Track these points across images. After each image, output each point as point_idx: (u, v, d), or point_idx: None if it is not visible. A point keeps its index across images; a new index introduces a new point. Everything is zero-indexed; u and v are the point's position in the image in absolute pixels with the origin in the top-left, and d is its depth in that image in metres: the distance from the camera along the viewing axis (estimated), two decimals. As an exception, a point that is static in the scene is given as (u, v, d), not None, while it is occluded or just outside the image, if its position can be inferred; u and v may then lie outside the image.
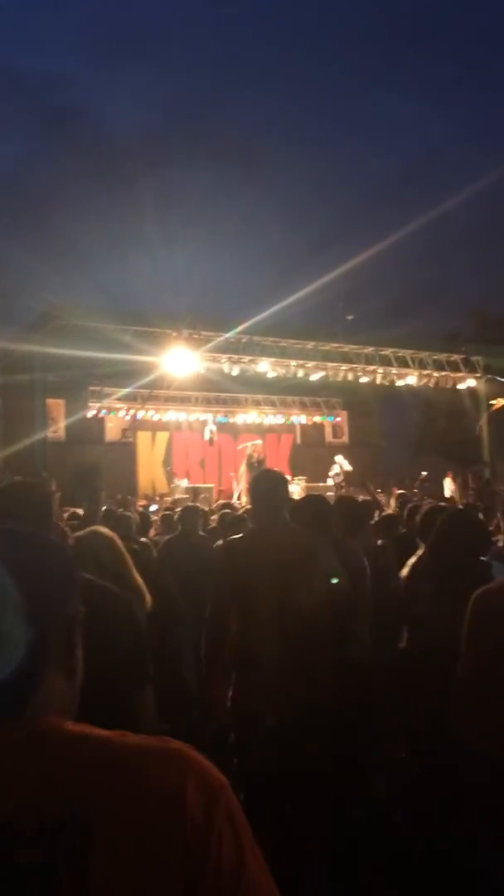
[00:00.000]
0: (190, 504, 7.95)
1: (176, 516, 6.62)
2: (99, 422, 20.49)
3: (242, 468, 18.48)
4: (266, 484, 3.41)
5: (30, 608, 0.95)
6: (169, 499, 16.51)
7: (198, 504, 8.51)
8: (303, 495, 5.70)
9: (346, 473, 18.39)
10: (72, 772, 0.89)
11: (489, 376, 19.91)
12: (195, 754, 0.96)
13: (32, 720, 0.94)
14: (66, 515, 7.27)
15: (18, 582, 0.96)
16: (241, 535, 3.62)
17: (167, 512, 8.74)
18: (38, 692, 0.95)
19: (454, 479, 18.45)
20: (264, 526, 3.37)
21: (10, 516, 2.11)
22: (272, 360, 17.99)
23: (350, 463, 18.84)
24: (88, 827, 0.86)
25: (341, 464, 18.70)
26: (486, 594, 2.35)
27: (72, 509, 8.03)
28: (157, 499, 17.12)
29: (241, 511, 7.31)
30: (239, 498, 16.22)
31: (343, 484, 17.74)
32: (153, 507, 13.59)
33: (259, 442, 19.27)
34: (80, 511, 7.54)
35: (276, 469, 5.38)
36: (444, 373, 19.65)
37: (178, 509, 7.19)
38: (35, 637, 0.95)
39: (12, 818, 0.86)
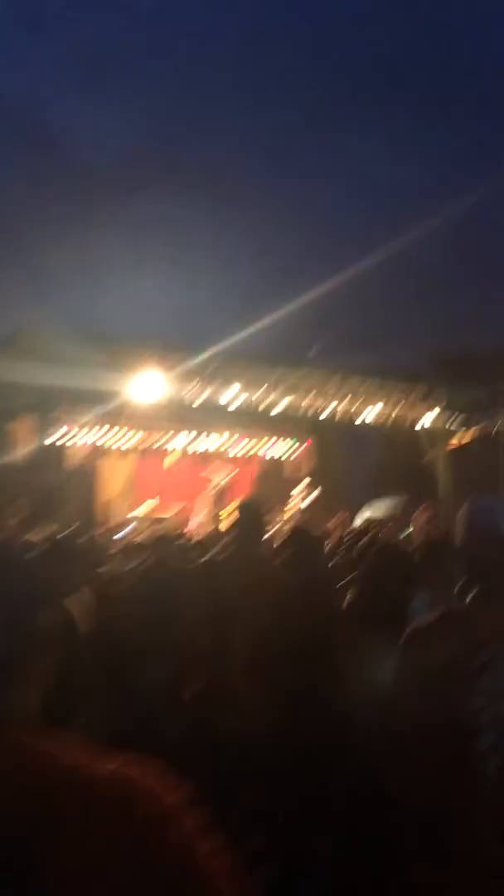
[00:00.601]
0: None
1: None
2: (59, 448, 20.22)
3: (208, 493, 18.34)
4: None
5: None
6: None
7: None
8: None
9: (312, 502, 18.45)
10: (32, 785, 0.92)
11: (450, 412, 20.24)
12: (149, 779, 0.98)
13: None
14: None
15: None
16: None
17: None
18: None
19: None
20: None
21: None
22: (239, 386, 18.02)
23: (312, 492, 18.89)
24: (47, 835, 0.88)
25: (304, 493, 18.72)
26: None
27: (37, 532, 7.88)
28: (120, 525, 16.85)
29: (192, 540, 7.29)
30: (197, 526, 16.11)
31: (308, 512, 17.73)
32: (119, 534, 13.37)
33: (222, 473, 19.08)
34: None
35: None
36: (408, 401, 19.90)
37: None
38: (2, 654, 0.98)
39: None
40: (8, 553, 2.16)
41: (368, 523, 14.68)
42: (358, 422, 19.73)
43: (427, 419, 19.98)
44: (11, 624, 0.98)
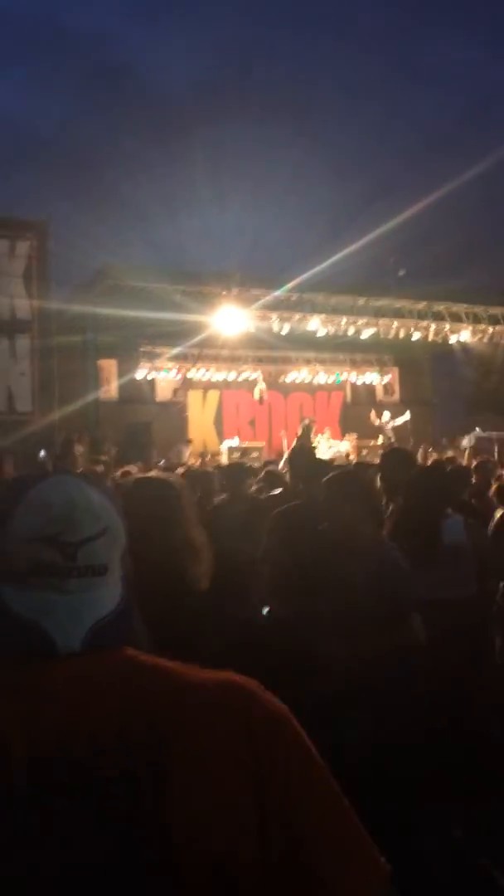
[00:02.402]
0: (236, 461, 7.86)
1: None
2: (150, 382, 20.63)
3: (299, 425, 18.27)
4: None
5: (124, 548, 1.05)
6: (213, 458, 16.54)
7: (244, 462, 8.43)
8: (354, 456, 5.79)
9: (397, 429, 18.24)
10: (148, 696, 0.96)
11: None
12: (258, 685, 1.02)
13: (112, 651, 1.00)
14: (119, 474, 7.38)
15: (125, 525, 1.05)
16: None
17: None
18: (128, 627, 1.03)
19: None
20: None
21: None
22: (322, 317, 17.84)
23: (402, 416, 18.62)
24: (166, 741, 0.92)
25: (384, 421, 18.45)
26: None
27: (125, 467, 8.16)
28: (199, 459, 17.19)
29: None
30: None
31: (392, 440, 17.60)
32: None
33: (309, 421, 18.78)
34: (131, 469, 7.66)
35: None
36: (498, 327, 19.22)
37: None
38: (124, 577, 1.04)
39: (96, 735, 0.92)
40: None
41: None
42: (453, 340, 19.17)
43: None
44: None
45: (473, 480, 6.10)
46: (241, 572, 3.91)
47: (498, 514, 4.28)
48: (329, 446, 17.02)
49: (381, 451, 15.72)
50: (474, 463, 7.63)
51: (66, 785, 0.89)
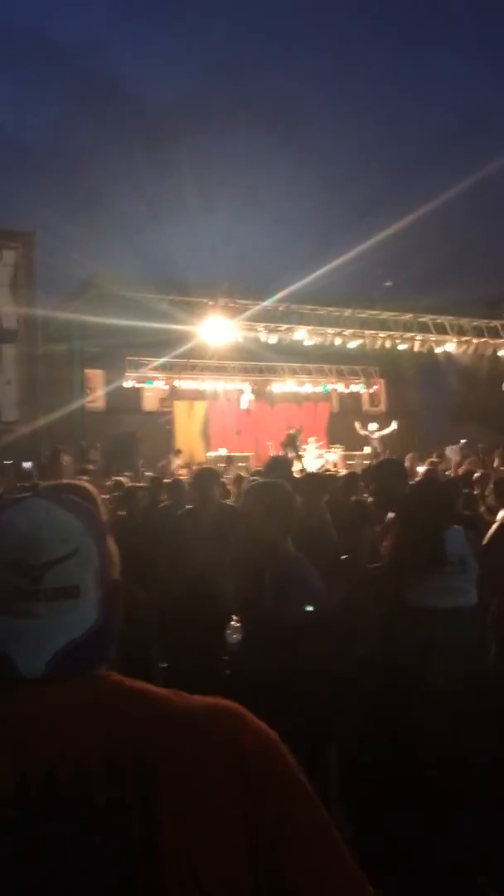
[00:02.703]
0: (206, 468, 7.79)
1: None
2: (136, 392, 20.61)
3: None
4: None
5: (102, 570, 1.01)
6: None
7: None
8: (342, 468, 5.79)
9: (383, 439, 18.31)
10: (136, 723, 0.94)
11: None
12: (248, 712, 1.01)
13: (97, 676, 0.99)
14: (108, 484, 7.35)
15: (97, 544, 1.02)
16: None
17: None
18: (105, 650, 1.01)
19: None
20: None
21: None
22: (309, 328, 17.90)
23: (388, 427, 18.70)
24: (155, 768, 0.90)
25: (370, 432, 18.53)
26: None
27: (114, 478, 8.12)
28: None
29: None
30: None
31: (378, 450, 17.65)
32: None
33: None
34: (122, 479, 7.62)
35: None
36: (483, 339, 19.35)
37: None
38: (103, 598, 1.01)
39: (85, 762, 0.90)
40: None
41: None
42: (438, 351, 19.28)
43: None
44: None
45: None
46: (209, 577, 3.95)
47: (495, 524, 4.32)
48: (318, 455, 17.04)
49: (367, 462, 15.81)
50: (460, 472, 7.70)
51: (54, 813, 0.88)
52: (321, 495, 4.87)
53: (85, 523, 1.02)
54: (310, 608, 3.13)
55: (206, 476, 5.20)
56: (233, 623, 3.05)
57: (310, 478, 5.36)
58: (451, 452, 17.04)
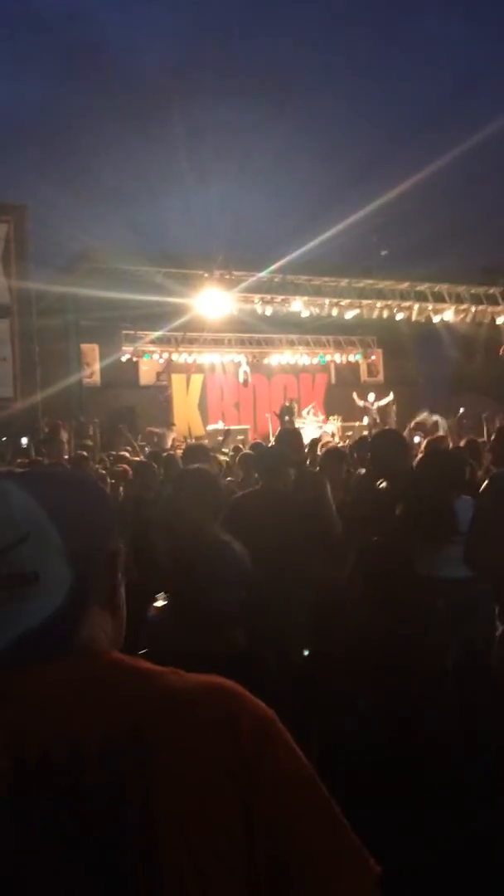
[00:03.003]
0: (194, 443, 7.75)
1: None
2: (133, 365, 20.49)
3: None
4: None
5: (71, 550, 0.98)
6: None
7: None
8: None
9: (381, 409, 18.27)
10: (133, 701, 0.93)
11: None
12: (245, 690, 1.00)
13: (85, 656, 0.97)
14: (109, 458, 7.32)
15: (59, 524, 0.98)
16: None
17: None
18: (82, 631, 0.98)
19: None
20: None
21: None
22: (305, 298, 17.76)
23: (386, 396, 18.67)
24: (152, 748, 0.90)
25: (370, 402, 18.49)
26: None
27: (113, 452, 8.09)
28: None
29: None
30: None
31: (377, 421, 17.61)
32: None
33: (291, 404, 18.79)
34: (125, 453, 7.59)
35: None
36: (482, 307, 19.22)
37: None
38: (76, 578, 0.98)
39: (79, 742, 0.89)
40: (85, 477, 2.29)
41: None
42: (436, 320, 19.19)
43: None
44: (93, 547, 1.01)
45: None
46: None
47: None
48: (318, 425, 17.00)
49: (365, 432, 15.76)
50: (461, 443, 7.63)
51: (49, 793, 0.87)
52: (340, 468, 4.88)
53: (50, 504, 0.98)
54: (306, 653, 3.16)
55: (195, 451, 5.21)
56: (156, 604, 3.07)
57: (328, 453, 5.33)
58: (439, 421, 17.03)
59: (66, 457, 10.48)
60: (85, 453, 9.10)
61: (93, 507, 1.05)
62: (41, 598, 0.95)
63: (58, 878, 0.85)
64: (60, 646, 0.96)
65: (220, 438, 14.85)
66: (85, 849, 0.85)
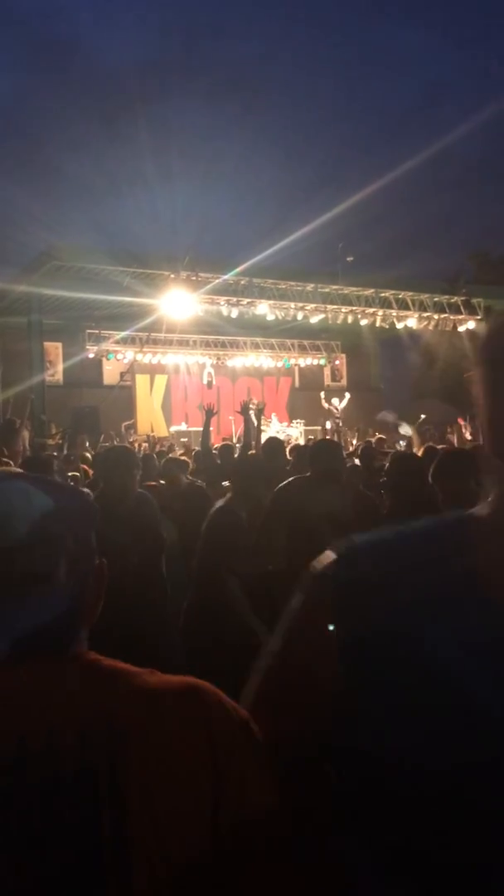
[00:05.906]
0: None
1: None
2: (97, 365, 20.34)
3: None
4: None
5: (75, 556, 1.02)
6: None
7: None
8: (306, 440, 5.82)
9: (343, 411, 18.45)
10: (109, 700, 0.96)
11: (489, 317, 19.72)
12: (220, 692, 1.02)
13: (72, 654, 1.01)
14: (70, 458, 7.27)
15: (71, 530, 1.02)
16: None
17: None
18: (79, 631, 1.03)
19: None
20: None
21: None
22: (271, 302, 17.79)
23: (348, 406, 18.84)
24: (125, 738, 0.92)
25: (336, 406, 18.66)
26: None
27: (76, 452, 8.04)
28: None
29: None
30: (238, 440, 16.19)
31: (340, 425, 17.74)
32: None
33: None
34: (88, 454, 7.54)
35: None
36: (443, 315, 19.48)
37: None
38: (77, 583, 1.02)
39: (57, 733, 0.92)
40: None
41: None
42: (400, 326, 19.43)
43: (468, 325, 19.50)
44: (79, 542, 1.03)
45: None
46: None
47: None
48: (280, 432, 17.05)
49: (329, 436, 15.86)
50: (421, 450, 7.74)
51: (24, 786, 0.89)
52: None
53: (63, 509, 1.02)
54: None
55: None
56: None
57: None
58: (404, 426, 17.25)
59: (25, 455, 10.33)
60: (55, 454, 8.98)
61: (89, 517, 1.09)
62: (54, 597, 0.99)
63: (33, 867, 0.86)
64: (64, 641, 1.00)
65: (185, 440, 14.84)
66: (59, 838, 0.87)
